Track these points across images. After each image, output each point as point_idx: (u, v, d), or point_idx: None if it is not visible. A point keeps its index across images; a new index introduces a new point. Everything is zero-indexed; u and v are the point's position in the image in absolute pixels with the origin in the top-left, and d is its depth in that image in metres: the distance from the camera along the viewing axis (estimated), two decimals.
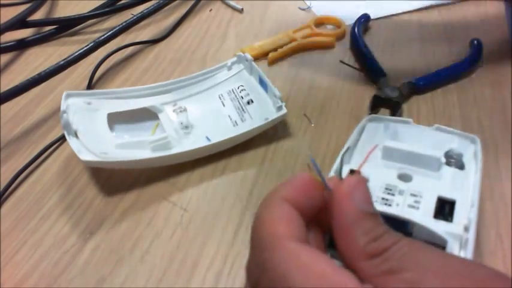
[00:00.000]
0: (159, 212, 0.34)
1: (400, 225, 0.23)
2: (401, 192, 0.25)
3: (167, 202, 0.35)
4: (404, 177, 0.27)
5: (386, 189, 0.25)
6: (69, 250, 0.32)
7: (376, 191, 0.25)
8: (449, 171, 0.27)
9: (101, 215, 0.34)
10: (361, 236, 0.18)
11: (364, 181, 0.20)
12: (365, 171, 0.26)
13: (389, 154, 0.28)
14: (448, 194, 0.25)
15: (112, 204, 0.35)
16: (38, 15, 0.55)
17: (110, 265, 0.31)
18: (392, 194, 0.25)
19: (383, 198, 0.24)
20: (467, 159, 0.27)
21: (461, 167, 0.27)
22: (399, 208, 0.24)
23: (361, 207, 0.18)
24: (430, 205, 0.24)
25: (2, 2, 0.56)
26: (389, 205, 0.24)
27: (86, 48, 0.45)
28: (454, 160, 0.27)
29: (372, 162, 0.28)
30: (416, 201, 0.24)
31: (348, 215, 0.18)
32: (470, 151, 0.28)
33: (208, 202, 0.35)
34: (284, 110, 0.38)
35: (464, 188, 0.25)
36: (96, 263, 0.31)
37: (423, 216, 0.23)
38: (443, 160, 0.27)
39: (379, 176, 0.26)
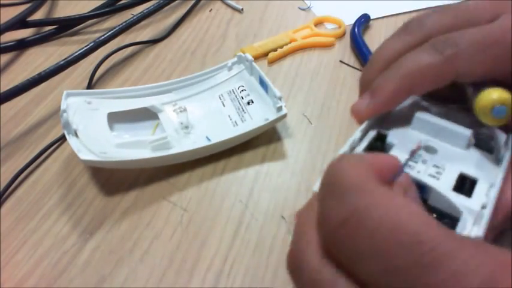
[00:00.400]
0: (159, 212, 0.34)
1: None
2: (424, 162, 0.25)
3: (167, 202, 0.35)
4: (429, 150, 0.26)
5: (410, 154, 0.25)
6: (69, 250, 0.32)
7: (400, 157, 0.25)
8: (476, 152, 0.26)
9: (101, 215, 0.34)
10: None
11: (411, 182, 0.19)
12: (391, 138, 0.26)
13: (419, 125, 0.27)
14: (471, 172, 0.24)
15: (112, 204, 0.35)
16: (38, 15, 0.55)
17: (110, 265, 0.31)
18: (415, 162, 0.25)
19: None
20: (498, 145, 0.27)
21: (490, 150, 0.27)
22: (420, 175, 0.24)
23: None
24: (451, 179, 0.24)
25: (2, 2, 0.56)
26: (411, 170, 0.24)
27: (86, 48, 0.45)
28: (484, 142, 0.27)
29: (400, 130, 0.27)
30: (437, 172, 0.24)
31: None
32: (502, 138, 0.27)
33: (208, 202, 0.35)
34: (284, 111, 0.38)
35: (490, 170, 0.25)
36: (96, 263, 0.31)
37: (442, 186, 0.23)
38: (473, 140, 0.27)
39: (405, 143, 0.26)
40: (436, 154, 0.26)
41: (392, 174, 0.19)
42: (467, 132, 0.26)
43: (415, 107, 0.29)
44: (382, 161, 0.18)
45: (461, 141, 0.26)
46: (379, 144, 0.27)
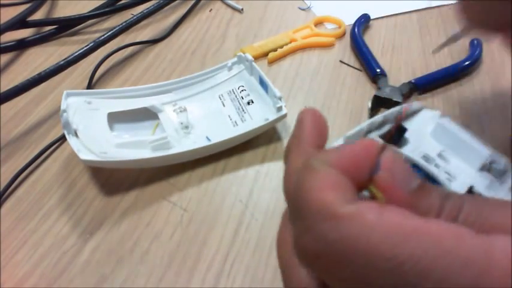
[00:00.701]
0: (159, 212, 0.34)
1: None
2: (437, 166, 0.25)
3: (167, 202, 0.35)
4: (443, 158, 0.26)
5: (424, 156, 0.25)
6: (69, 250, 0.32)
7: (415, 155, 0.25)
8: (488, 175, 0.26)
9: (101, 215, 0.34)
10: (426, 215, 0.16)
11: (396, 153, 0.17)
12: (409, 135, 0.26)
13: (439, 132, 0.27)
14: (481, 191, 0.24)
15: (112, 204, 0.35)
16: (38, 15, 0.55)
17: (110, 265, 0.31)
18: (428, 163, 0.25)
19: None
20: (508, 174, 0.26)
21: (500, 175, 0.26)
22: (432, 169, 0.24)
23: (408, 188, 0.16)
24: (461, 188, 0.24)
25: (2, 2, 0.56)
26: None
27: (86, 48, 0.45)
28: (496, 171, 0.26)
29: (419, 133, 0.27)
30: (448, 179, 0.24)
31: (401, 204, 0.16)
32: None
33: (208, 202, 0.35)
34: (284, 111, 0.38)
35: (499, 196, 0.25)
36: (96, 263, 0.31)
37: (453, 188, 0.23)
38: (488, 163, 0.26)
39: (420, 145, 0.26)
40: (449, 164, 0.26)
41: (373, 164, 0.17)
42: (486, 151, 0.26)
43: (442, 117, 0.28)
44: (358, 156, 0.17)
45: (477, 159, 0.26)
46: (396, 136, 0.27)
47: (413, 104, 0.29)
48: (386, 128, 0.26)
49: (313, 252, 0.15)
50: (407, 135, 0.26)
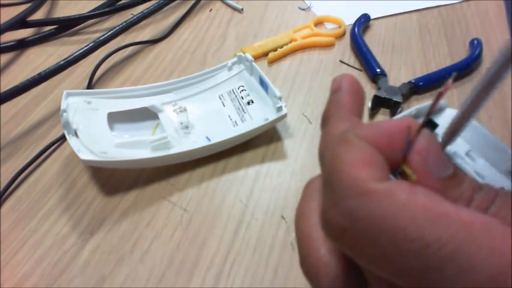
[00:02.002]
0: (159, 212, 0.34)
1: None
2: (467, 163, 0.25)
3: (167, 202, 0.35)
4: (471, 157, 0.26)
5: (454, 153, 0.25)
6: (69, 250, 0.32)
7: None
8: None
9: (101, 215, 0.34)
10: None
11: (433, 137, 0.17)
12: (440, 130, 0.26)
13: (466, 132, 0.27)
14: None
15: (112, 204, 0.35)
16: (38, 15, 0.55)
17: (110, 265, 0.31)
18: (459, 162, 0.25)
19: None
20: None
21: None
22: (465, 166, 0.24)
23: (441, 175, 0.16)
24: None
25: (2, 2, 0.56)
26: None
27: (86, 48, 0.45)
28: None
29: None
30: (476, 179, 0.24)
31: (431, 189, 0.15)
32: None
33: (208, 202, 0.35)
34: (284, 111, 0.38)
35: None
36: (96, 263, 0.31)
37: None
38: None
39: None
40: (477, 164, 0.26)
41: (406, 144, 0.17)
42: None
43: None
44: (394, 134, 0.17)
45: (504, 162, 0.26)
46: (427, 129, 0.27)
47: (441, 101, 0.29)
48: (419, 121, 0.26)
49: (340, 227, 0.15)
50: (437, 131, 0.26)
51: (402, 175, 0.17)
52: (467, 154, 0.26)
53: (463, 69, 0.46)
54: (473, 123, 0.27)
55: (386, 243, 0.14)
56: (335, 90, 0.20)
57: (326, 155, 0.17)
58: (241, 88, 0.42)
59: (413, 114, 0.27)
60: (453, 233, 0.13)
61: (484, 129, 0.27)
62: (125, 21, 0.50)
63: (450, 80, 0.18)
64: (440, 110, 0.29)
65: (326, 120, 0.20)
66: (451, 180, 0.16)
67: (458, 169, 0.16)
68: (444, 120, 0.28)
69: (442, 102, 0.30)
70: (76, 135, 0.35)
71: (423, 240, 0.13)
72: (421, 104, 0.28)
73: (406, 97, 0.43)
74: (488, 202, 0.15)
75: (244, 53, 0.42)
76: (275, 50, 0.49)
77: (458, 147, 0.26)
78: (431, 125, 0.27)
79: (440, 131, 0.26)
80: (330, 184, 0.16)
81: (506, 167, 0.26)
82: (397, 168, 0.17)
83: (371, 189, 0.15)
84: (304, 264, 0.18)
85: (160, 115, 0.39)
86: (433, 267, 0.13)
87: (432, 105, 0.21)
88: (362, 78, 0.46)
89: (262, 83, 0.40)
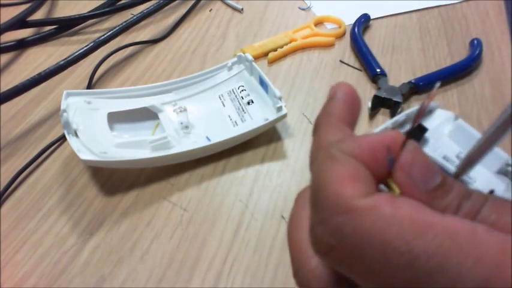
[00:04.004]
0: (159, 212, 0.34)
1: None
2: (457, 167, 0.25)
3: (167, 202, 0.35)
4: (460, 159, 0.26)
5: (444, 157, 0.25)
6: (69, 250, 0.32)
7: (435, 156, 0.25)
8: (505, 179, 0.26)
9: (101, 215, 0.34)
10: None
11: (418, 150, 0.17)
12: (430, 135, 0.26)
13: (457, 134, 0.27)
14: (499, 193, 0.24)
15: (112, 204, 0.35)
16: (38, 15, 0.55)
17: (110, 265, 0.31)
18: (449, 164, 0.25)
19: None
20: None
21: None
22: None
23: (427, 187, 0.16)
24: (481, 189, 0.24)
25: (2, 2, 0.56)
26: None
27: (86, 48, 0.45)
28: None
29: (436, 133, 0.27)
30: (469, 182, 0.24)
31: (419, 200, 0.16)
32: None
33: (208, 202, 0.35)
34: (284, 111, 0.37)
35: None
36: (96, 263, 0.31)
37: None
38: (506, 165, 0.26)
39: (439, 146, 0.26)
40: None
41: (391, 153, 0.17)
42: (504, 155, 0.26)
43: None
44: (378, 149, 0.17)
45: (495, 163, 0.26)
46: (417, 135, 0.27)
47: (431, 103, 0.29)
48: (408, 127, 0.26)
49: (327, 245, 0.15)
50: (428, 135, 0.26)
51: (390, 187, 0.17)
52: (457, 157, 0.26)
53: (463, 69, 0.46)
54: (464, 126, 0.27)
55: (375, 258, 0.14)
56: (330, 98, 0.20)
57: (314, 164, 0.17)
58: (241, 88, 0.42)
59: (402, 120, 0.27)
60: (439, 243, 0.13)
61: (474, 131, 0.27)
62: (125, 21, 0.50)
63: (435, 90, 0.19)
64: (431, 112, 0.29)
65: (317, 127, 0.20)
66: (439, 190, 0.16)
67: (447, 177, 0.16)
68: (435, 121, 0.28)
69: (433, 103, 0.30)
70: (76, 135, 0.35)
71: (411, 253, 0.13)
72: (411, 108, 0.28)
73: (406, 97, 0.43)
74: (477, 208, 0.15)
75: (244, 53, 0.42)
76: (275, 50, 0.49)
77: (449, 150, 0.26)
78: (421, 130, 0.27)
79: (431, 134, 0.27)
80: (317, 201, 0.16)
81: (497, 167, 0.26)
82: (385, 181, 0.17)
83: (356, 206, 0.15)
84: (297, 275, 0.19)
85: (160, 115, 0.39)
86: (422, 279, 0.13)
87: (415, 119, 0.21)
88: (362, 78, 0.46)
89: (262, 83, 0.40)
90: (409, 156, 0.16)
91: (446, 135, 0.28)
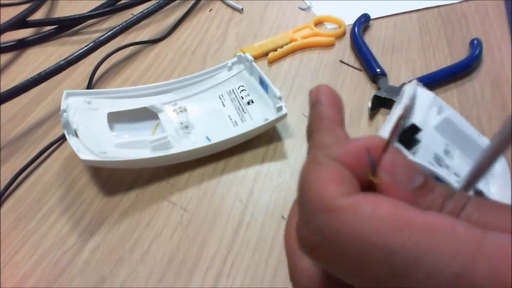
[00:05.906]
0: (159, 212, 0.34)
1: None
2: (447, 167, 0.25)
3: (167, 202, 0.35)
4: (448, 154, 0.27)
5: (435, 157, 0.25)
6: (69, 250, 0.32)
7: (427, 156, 0.25)
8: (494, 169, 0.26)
9: (101, 215, 0.34)
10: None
11: (399, 152, 0.17)
12: (422, 136, 0.26)
13: (444, 127, 0.28)
14: (487, 192, 0.25)
15: (112, 204, 0.35)
16: (38, 15, 0.55)
17: (110, 265, 0.31)
18: (440, 165, 0.25)
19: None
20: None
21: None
22: (445, 175, 0.24)
23: (409, 187, 0.16)
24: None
25: (2, 2, 0.56)
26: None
27: (86, 48, 0.45)
28: None
29: (425, 128, 0.27)
30: (457, 181, 0.24)
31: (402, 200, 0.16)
32: None
33: (208, 202, 0.35)
34: (284, 111, 0.37)
35: (504, 193, 0.25)
36: (96, 263, 0.31)
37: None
38: None
39: (429, 142, 0.26)
40: (454, 160, 0.26)
41: (372, 156, 0.18)
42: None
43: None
44: (360, 153, 0.17)
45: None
46: (409, 135, 0.27)
47: (408, 87, 0.29)
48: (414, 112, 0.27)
49: (311, 243, 0.16)
50: (420, 136, 0.27)
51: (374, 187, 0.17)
52: (445, 151, 0.26)
53: (463, 69, 0.46)
54: (452, 118, 0.27)
55: (355, 255, 0.15)
56: (314, 104, 0.21)
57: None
58: (241, 88, 0.42)
59: (407, 104, 0.27)
60: (417, 239, 0.14)
61: (461, 121, 0.27)
62: (125, 21, 0.50)
63: (409, 102, 0.19)
64: (414, 97, 0.29)
65: (311, 134, 0.20)
66: (421, 190, 0.17)
67: (429, 178, 0.17)
68: (422, 110, 0.29)
69: (411, 88, 0.30)
70: (76, 135, 0.35)
71: (388, 249, 0.14)
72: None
73: None
74: (459, 208, 0.16)
75: (244, 53, 0.42)
76: (275, 50, 0.49)
77: (437, 146, 0.26)
78: (414, 129, 0.27)
79: (422, 132, 0.27)
80: (302, 203, 0.17)
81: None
82: (368, 184, 0.18)
83: (337, 205, 0.15)
84: (293, 279, 0.19)
85: (160, 115, 0.39)
86: (400, 273, 0.14)
87: (392, 133, 0.22)
88: (362, 78, 0.46)
89: (262, 83, 0.40)
90: (390, 158, 0.17)
91: (433, 128, 0.28)
